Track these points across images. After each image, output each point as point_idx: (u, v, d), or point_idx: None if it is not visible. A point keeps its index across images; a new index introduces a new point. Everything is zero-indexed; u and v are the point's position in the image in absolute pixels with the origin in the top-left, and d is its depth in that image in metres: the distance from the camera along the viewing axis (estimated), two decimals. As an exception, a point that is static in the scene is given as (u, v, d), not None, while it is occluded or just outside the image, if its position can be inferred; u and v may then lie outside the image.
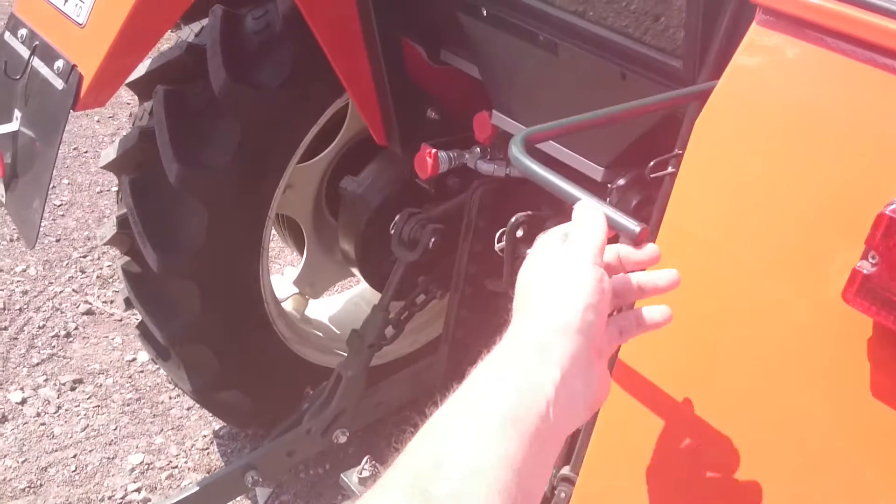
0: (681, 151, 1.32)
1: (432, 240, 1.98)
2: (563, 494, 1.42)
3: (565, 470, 1.38)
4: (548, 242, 0.85)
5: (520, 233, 1.82)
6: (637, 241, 0.86)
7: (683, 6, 1.29)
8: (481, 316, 2.10)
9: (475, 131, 1.86)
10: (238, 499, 2.42)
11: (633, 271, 0.89)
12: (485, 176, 1.91)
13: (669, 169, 1.34)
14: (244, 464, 2.11)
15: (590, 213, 0.84)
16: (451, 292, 2.05)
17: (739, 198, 0.95)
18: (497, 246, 1.86)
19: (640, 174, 1.54)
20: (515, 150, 0.93)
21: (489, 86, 1.75)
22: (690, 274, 0.92)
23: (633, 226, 0.85)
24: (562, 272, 0.80)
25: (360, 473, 1.77)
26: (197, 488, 2.10)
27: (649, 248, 0.87)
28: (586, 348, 0.77)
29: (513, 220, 1.82)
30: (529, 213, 1.83)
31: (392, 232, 2.05)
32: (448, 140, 1.96)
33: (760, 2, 0.95)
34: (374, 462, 1.81)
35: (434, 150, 1.84)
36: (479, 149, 1.86)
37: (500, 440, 0.68)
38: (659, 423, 0.97)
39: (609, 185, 1.55)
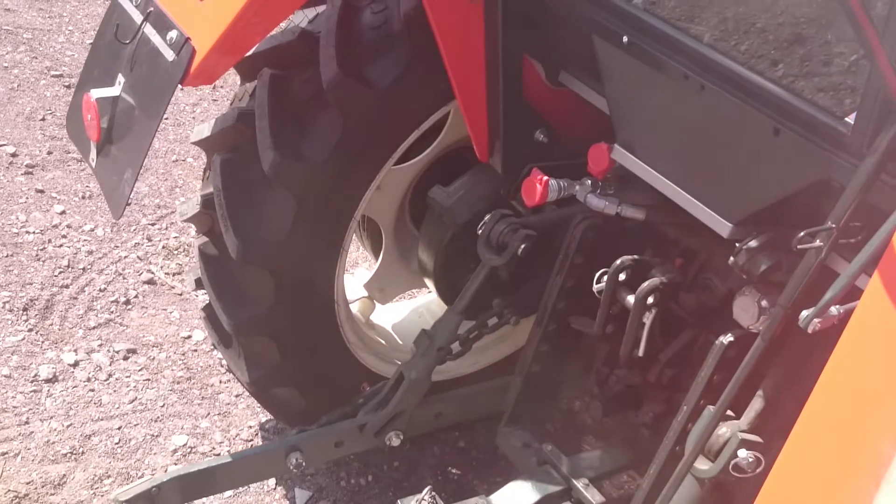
0: (834, 225, 1.21)
1: (522, 246, 1.87)
2: (750, 459, 1.40)
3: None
4: None
5: (622, 277, 1.72)
6: None
7: (866, 67, 1.17)
8: (561, 353, 1.99)
9: (589, 162, 1.75)
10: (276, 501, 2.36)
11: None
12: (589, 209, 1.81)
13: (818, 242, 1.22)
14: (290, 444, 2.01)
15: None
16: (535, 326, 1.95)
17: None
18: (595, 287, 1.76)
19: (773, 238, 1.43)
20: None
21: (616, 118, 1.65)
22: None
23: None
24: None
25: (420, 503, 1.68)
26: (230, 459, 1.99)
27: None
28: None
29: (617, 262, 1.71)
30: (636, 257, 1.73)
31: (479, 232, 1.94)
32: (557, 165, 1.86)
33: None
34: (433, 493, 1.71)
35: (545, 178, 1.74)
36: (590, 181, 1.76)
37: None
38: None
39: (737, 244, 1.44)
